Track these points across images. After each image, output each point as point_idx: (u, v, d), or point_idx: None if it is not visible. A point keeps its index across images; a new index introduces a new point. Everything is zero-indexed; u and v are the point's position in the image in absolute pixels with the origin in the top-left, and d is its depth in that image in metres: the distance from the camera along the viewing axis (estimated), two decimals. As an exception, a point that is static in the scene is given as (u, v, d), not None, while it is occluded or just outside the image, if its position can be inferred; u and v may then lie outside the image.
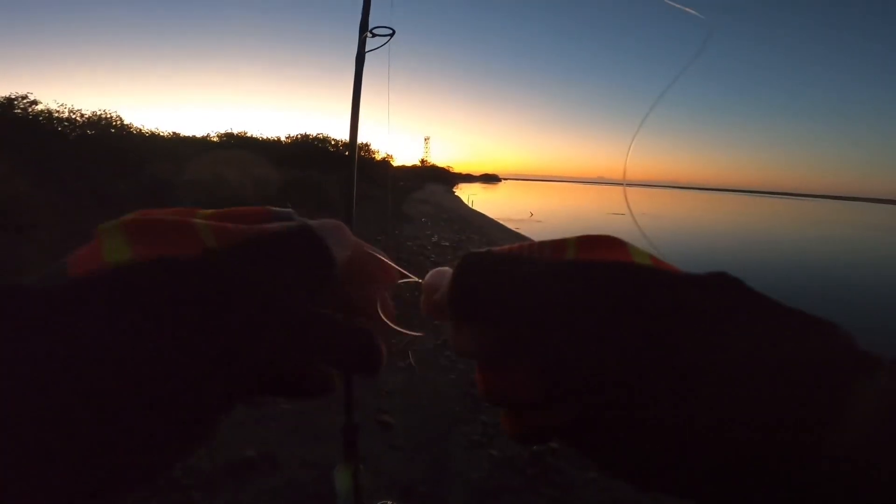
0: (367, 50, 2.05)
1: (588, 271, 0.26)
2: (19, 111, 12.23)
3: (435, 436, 3.21)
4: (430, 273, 0.31)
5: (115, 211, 0.27)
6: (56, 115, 13.05)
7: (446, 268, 0.31)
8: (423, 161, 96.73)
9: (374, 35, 2.09)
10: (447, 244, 11.17)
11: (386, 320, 0.34)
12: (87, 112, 14.03)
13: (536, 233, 17.37)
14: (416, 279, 0.34)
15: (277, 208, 0.31)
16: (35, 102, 12.54)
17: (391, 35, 2.13)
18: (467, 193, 43.19)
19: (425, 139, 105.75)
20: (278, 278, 0.26)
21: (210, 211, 0.29)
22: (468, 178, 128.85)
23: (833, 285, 11.40)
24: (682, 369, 0.22)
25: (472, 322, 0.28)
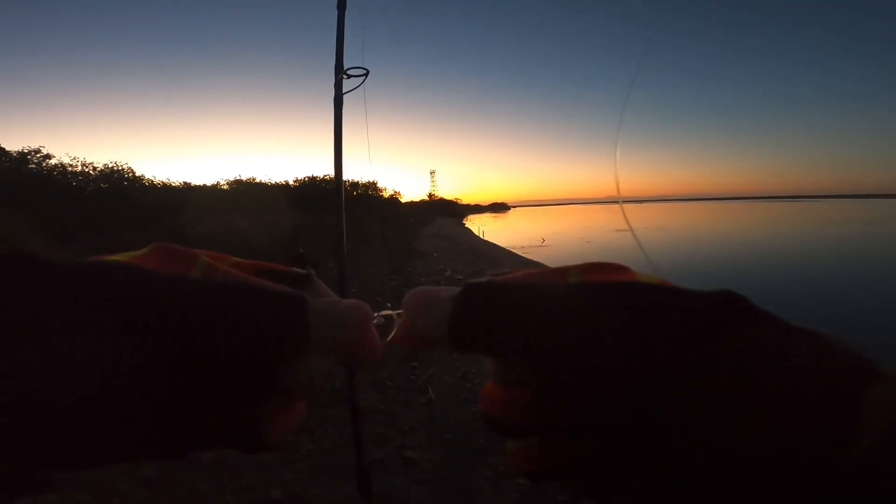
0: (344, 91, 2.11)
1: (595, 291, 0.26)
2: (33, 166, 12.41)
3: (461, 468, 3.17)
4: (411, 294, 0.29)
5: None
6: (70, 168, 13.26)
7: (427, 287, 0.29)
8: (430, 195, 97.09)
9: (349, 76, 2.17)
10: (461, 277, 11.06)
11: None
12: (100, 165, 14.26)
13: (547, 257, 17.37)
14: (392, 312, 0.31)
15: (298, 269, 0.31)
16: (48, 157, 12.74)
17: (366, 75, 2.20)
18: (477, 224, 43.15)
19: (431, 173, 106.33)
20: (232, 333, 0.24)
21: (238, 259, 0.30)
22: (477, 209, 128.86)
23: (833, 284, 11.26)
24: (695, 386, 0.23)
25: (474, 352, 0.27)
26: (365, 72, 1.89)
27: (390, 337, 0.29)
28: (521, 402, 0.26)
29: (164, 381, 0.23)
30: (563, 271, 0.28)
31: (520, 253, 18.55)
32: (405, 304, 0.29)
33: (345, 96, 1.91)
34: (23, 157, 12.27)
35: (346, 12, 1.98)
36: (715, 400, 0.22)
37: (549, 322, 0.25)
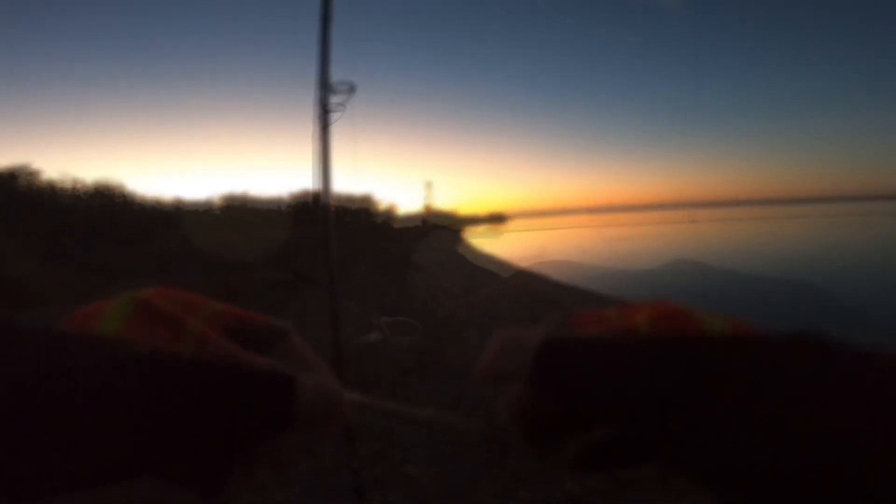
0: (330, 108, 2.11)
1: (664, 346, 0.26)
2: (23, 182, 12.36)
3: (463, 484, 3.14)
4: (500, 337, 0.31)
5: (123, 285, 0.28)
6: (60, 185, 13.23)
7: (515, 333, 0.31)
8: (427, 207, 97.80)
9: (335, 91, 2.17)
10: (457, 291, 11.14)
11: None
12: (91, 182, 14.27)
13: (545, 270, 17.45)
14: (414, 322, 0.33)
15: (276, 322, 0.33)
16: (38, 173, 12.70)
17: (352, 90, 2.20)
18: (475, 236, 43.46)
19: (428, 184, 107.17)
20: (229, 413, 0.26)
21: (218, 308, 0.31)
22: (475, 220, 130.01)
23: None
24: (773, 441, 0.22)
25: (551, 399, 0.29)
26: (351, 86, 1.89)
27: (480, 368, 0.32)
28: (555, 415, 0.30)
29: (148, 451, 0.25)
30: (632, 321, 0.29)
31: (519, 265, 18.60)
32: (493, 343, 0.31)
33: (339, 110, 1.91)
34: (12, 174, 12.16)
35: (334, 28, 1.97)
36: (802, 435, 0.22)
37: (624, 382, 0.26)
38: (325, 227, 1.92)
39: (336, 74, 1.97)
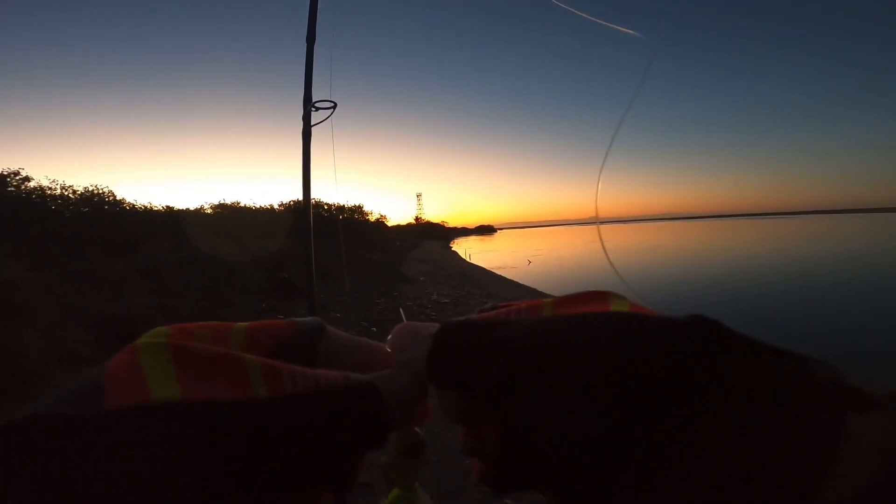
0: (313, 123, 2.19)
1: (560, 325, 0.26)
2: (12, 188, 12.24)
3: (449, 491, 3.15)
4: (397, 329, 0.32)
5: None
6: (49, 192, 13.09)
7: (413, 323, 0.32)
8: (417, 218, 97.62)
9: (317, 108, 2.24)
10: (447, 301, 11.17)
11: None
12: (80, 188, 14.11)
13: (531, 276, 17.58)
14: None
15: (303, 320, 0.31)
16: (27, 179, 12.56)
17: (333, 107, 2.27)
18: (464, 247, 43.43)
19: (417, 196, 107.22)
20: (329, 439, 0.25)
21: (244, 325, 0.29)
22: (464, 232, 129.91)
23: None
24: (664, 418, 0.22)
25: (449, 387, 0.29)
26: (333, 104, 1.93)
27: None
28: (481, 442, 0.29)
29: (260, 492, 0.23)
30: (538, 306, 0.29)
31: (505, 275, 18.61)
32: (391, 337, 0.32)
33: (331, 125, 1.95)
34: (2, 179, 12.04)
35: (317, 48, 2.01)
36: (683, 433, 0.22)
37: (513, 357, 0.25)
38: (307, 239, 1.94)
39: (324, 90, 2.01)
